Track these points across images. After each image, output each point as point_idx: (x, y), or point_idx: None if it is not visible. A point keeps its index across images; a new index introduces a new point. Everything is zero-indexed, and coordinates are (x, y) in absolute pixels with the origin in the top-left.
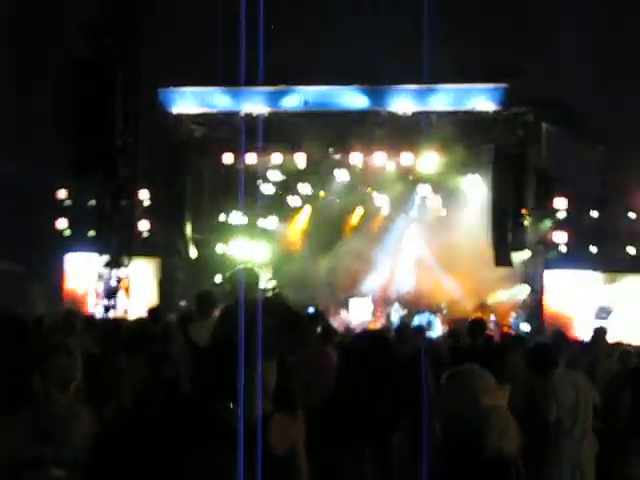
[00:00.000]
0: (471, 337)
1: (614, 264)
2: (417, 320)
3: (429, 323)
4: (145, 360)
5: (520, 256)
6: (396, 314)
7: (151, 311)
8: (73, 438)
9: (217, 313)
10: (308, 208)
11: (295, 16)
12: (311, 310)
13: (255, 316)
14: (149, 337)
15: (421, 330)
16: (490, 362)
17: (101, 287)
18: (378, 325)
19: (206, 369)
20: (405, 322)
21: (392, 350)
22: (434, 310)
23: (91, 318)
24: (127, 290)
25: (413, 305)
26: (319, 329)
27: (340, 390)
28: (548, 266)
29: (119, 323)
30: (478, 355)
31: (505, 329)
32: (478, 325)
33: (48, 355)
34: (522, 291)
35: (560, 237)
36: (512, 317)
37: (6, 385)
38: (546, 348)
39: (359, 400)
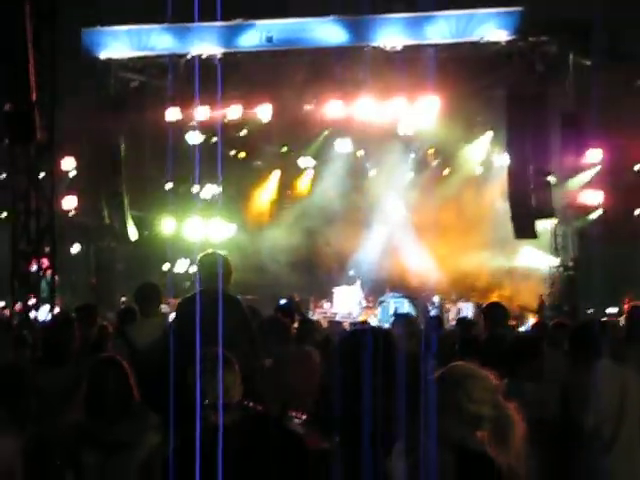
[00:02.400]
0: (488, 326)
1: None
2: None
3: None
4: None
5: (546, 224)
6: (392, 303)
7: (81, 310)
8: None
9: (165, 310)
10: (277, 173)
11: None
12: (283, 302)
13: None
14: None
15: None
16: (518, 358)
17: (18, 282)
18: (372, 318)
19: (151, 378)
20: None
21: (395, 349)
22: (442, 294)
23: (6, 322)
24: (52, 284)
25: (414, 290)
26: (295, 325)
27: (328, 399)
28: (581, 235)
29: (39, 326)
30: (498, 349)
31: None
32: (497, 310)
33: None
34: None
35: (595, 198)
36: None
37: None
38: (590, 329)
39: (353, 411)
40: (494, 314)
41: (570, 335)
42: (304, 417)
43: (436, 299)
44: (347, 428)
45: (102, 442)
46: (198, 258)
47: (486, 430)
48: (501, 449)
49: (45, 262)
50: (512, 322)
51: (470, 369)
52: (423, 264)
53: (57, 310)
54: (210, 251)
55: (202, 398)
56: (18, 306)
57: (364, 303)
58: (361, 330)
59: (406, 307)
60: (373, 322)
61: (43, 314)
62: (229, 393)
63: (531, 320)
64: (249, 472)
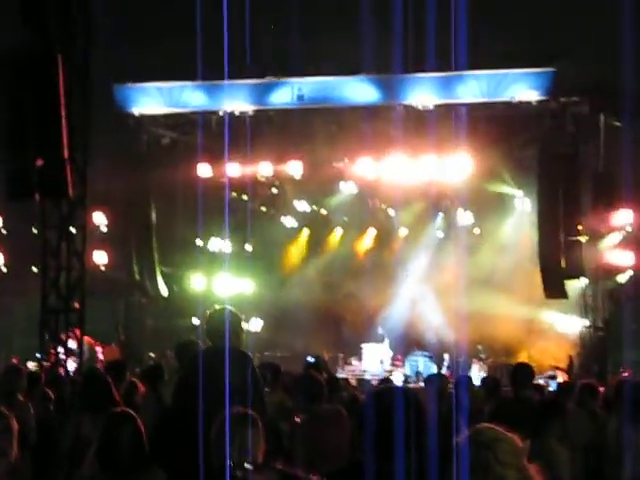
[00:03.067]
0: (514, 386)
1: None
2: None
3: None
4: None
5: (576, 284)
6: (421, 362)
7: (111, 367)
8: None
9: None
10: (306, 231)
11: None
12: (310, 359)
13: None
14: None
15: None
16: (543, 418)
17: (47, 337)
18: (400, 376)
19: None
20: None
21: (424, 409)
22: (470, 354)
23: (36, 377)
24: (80, 340)
25: (442, 349)
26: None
27: (358, 458)
28: (611, 296)
29: (70, 381)
30: (523, 409)
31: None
32: (523, 371)
33: None
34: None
35: (626, 259)
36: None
37: None
38: None
39: (384, 472)
40: (521, 375)
41: (620, 393)
42: None
43: (464, 358)
44: None
45: None
46: (208, 314)
47: None
48: None
49: (74, 318)
50: (541, 382)
51: (498, 432)
52: (450, 323)
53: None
54: (219, 307)
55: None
56: (46, 363)
57: (392, 361)
58: (389, 389)
59: (434, 366)
60: (400, 380)
61: (72, 369)
62: (254, 452)
63: (559, 379)
64: None
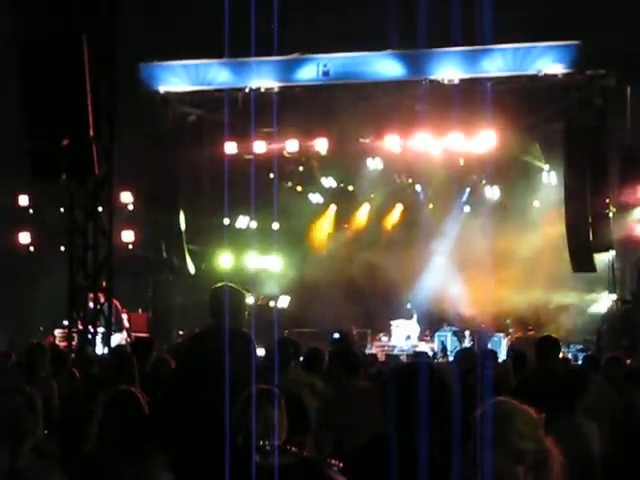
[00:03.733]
0: (540, 359)
1: None
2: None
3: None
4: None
5: (605, 257)
6: (449, 337)
7: (136, 345)
8: None
9: None
10: (333, 207)
11: None
12: (336, 335)
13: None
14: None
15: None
16: (568, 391)
17: (76, 316)
18: (429, 351)
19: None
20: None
21: (446, 382)
22: (499, 330)
23: (62, 355)
24: (109, 319)
25: (469, 325)
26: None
27: (380, 432)
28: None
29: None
30: (549, 382)
31: None
32: (548, 344)
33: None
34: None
35: None
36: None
37: None
38: None
39: (405, 444)
40: (546, 347)
41: None
42: (340, 465)
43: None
44: (401, 457)
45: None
46: (210, 292)
47: (527, 464)
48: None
49: (102, 296)
50: (569, 355)
51: (515, 405)
52: (478, 298)
53: (114, 343)
54: (221, 284)
55: (250, 438)
56: (75, 341)
57: (420, 336)
58: (410, 364)
59: (465, 341)
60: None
61: (99, 348)
62: (278, 432)
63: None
64: None
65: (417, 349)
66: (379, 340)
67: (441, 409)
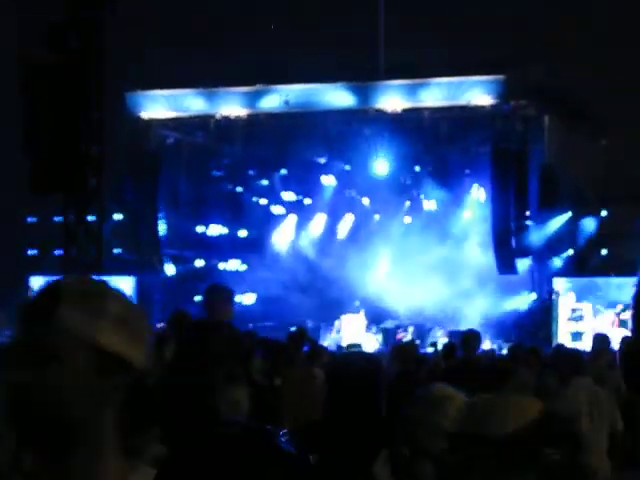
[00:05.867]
0: (464, 350)
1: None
2: (410, 334)
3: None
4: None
5: (525, 262)
6: (386, 330)
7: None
8: None
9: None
10: (293, 217)
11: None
12: (293, 329)
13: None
14: None
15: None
16: (494, 378)
17: None
18: (375, 344)
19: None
20: (399, 338)
21: (378, 371)
22: (433, 324)
23: None
24: None
25: (408, 319)
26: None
27: (326, 414)
28: (556, 272)
29: None
30: (473, 371)
31: None
32: (472, 336)
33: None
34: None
35: (567, 240)
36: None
37: None
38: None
39: (343, 426)
40: (470, 339)
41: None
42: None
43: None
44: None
45: None
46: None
47: None
48: None
49: None
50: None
51: (447, 391)
52: (416, 296)
53: None
54: (215, 284)
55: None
56: None
57: (366, 330)
58: (349, 354)
59: (409, 334)
60: (375, 348)
61: None
62: (237, 408)
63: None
64: None
65: (364, 341)
66: (330, 333)
67: (375, 394)
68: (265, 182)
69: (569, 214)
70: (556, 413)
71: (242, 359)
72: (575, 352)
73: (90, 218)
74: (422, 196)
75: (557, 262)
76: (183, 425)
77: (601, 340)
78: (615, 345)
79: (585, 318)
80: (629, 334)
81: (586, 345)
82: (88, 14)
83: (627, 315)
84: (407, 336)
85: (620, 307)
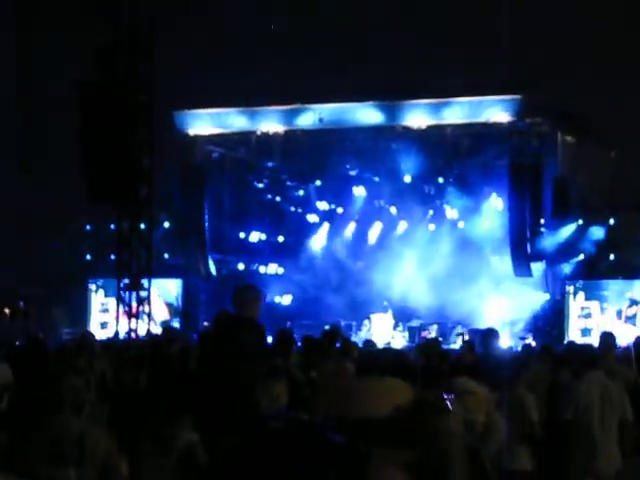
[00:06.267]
0: (483, 346)
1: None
2: (434, 332)
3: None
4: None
5: (539, 266)
6: (412, 328)
7: (166, 331)
8: (92, 457)
9: None
10: (327, 225)
11: (312, 34)
12: (327, 327)
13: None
14: (164, 358)
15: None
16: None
17: (122, 310)
18: (402, 340)
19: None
20: (425, 337)
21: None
22: (454, 323)
23: (109, 341)
24: (149, 312)
25: (432, 318)
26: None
27: None
28: (569, 275)
29: (134, 344)
30: (492, 366)
31: None
32: (491, 334)
33: (62, 378)
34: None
35: (579, 246)
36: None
37: (25, 408)
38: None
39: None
40: (489, 336)
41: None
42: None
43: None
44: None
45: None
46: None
47: (477, 431)
48: (489, 442)
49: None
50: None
51: (468, 385)
52: (441, 298)
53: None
54: (243, 284)
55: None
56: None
57: (394, 328)
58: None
59: (432, 332)
60: (401, 344)
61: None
62: (278, 402)
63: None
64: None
65: (392, 339)
66: (361, 330)
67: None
68: (301, 193)
69: (579, 222)
70: (427, 400)
71: (282, 355)
72: (587, 347)
73: (142, 226)
74: (445, 205)
75: (568, 266)
76: (228, 421)
77: (608, 337)
78: (621, 341)
79: (593, 315)
80: (635, 329)
81: (594, 340)
82: (136, 37)
83: (633, 311)
84: (431, 334)
85: (626, 304)
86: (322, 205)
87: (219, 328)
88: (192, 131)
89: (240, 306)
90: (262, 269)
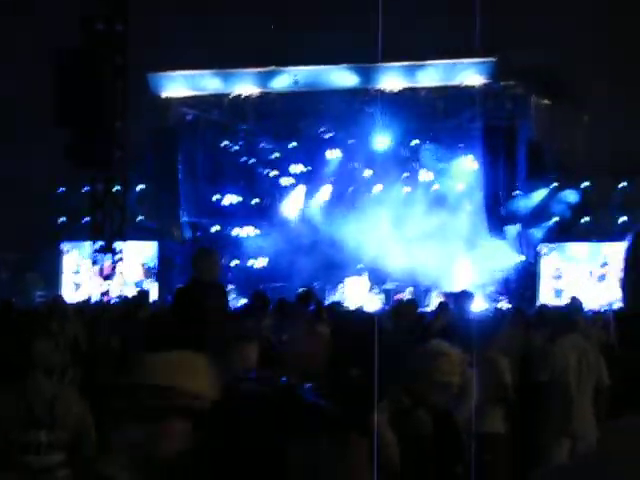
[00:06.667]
0: (457, 308)
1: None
2: (409, 294)
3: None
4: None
5: (513, 229)
6: (387, 291)
7: (140, 293)
8: (64, 421)
9: None
10: (302, 187)
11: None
12: (301, 290)
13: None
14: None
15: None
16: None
17: (95, 272)
18: (377, 303)
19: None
20: (399, 298)
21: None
22: (429, 285)
23: (81, 304)
24: (121, 274)
25: (407, 281)
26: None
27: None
28: (542, 238)
29: (108, 308)
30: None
31: None
32: (465, 296)
33: (33, 342)
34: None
35: (552, 209)
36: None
37: None
38: None
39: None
40: (463, 298)
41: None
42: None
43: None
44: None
45: None
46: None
47: (452, 392)
48: (462, 405)
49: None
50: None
51: (442, 347)
52: (413, 260)
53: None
54: (204, 248)
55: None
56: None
57: (369, 290)
58: (348, 312)
59: (407, 294)
60: (378, 307)
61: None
62: (248, 363)
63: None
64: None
65: (368, 301)
66: (335, 294)
67: (369, 347)
68: (276, 155)
69: (554, 185)
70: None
71: (255, 317)
72: (565, 310)
73: (115, 188)
74: (419, 167)
75: (542, 229)
76: None
77: (577, 301)
78: (593, 303)
79: (565, 277)
80: (606, 289)
81: (564, 302)
82: (113, 4)
83: (604, 271)
84: (405, 296)
85: (598, 266)
86: (297, 167)
87: (185, 297)
88: (166, 93)
89: (201, 271)
90: (237, 231)
